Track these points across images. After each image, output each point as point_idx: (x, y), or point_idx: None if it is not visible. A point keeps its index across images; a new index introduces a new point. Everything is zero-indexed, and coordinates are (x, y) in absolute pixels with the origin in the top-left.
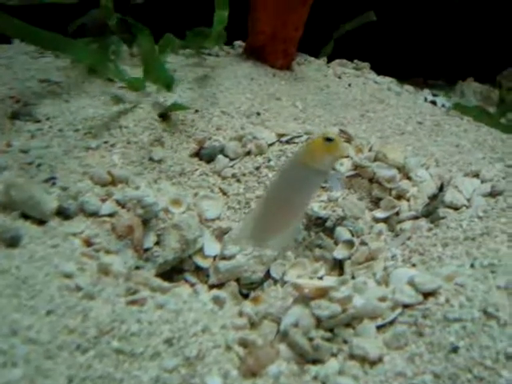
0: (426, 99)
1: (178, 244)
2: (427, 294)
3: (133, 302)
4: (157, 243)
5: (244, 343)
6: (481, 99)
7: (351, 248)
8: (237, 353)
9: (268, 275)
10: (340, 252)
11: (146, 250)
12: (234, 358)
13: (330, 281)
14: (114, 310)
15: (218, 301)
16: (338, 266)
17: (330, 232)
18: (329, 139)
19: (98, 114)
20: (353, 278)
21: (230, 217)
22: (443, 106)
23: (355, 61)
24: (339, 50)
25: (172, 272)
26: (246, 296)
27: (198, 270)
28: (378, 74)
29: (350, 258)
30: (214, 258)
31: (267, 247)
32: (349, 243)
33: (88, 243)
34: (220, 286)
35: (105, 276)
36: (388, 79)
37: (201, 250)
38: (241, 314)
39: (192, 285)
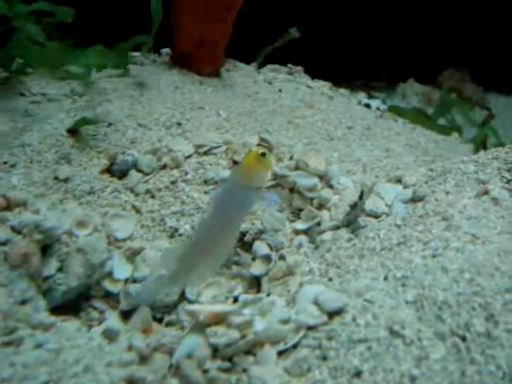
0: (359, 102)
1: (83, 269)
2: (333, 313)
3: (8, 344)
4: (60, 270)
5: (131, 381)
6: (422, 100)
7: (269, 263)
8: None
9: (183, 297)
10: (257, 268)
11: (47, 277)
12: None
13: (228, 305)
14: None
15: (109, 335)
16: (255, 283)
17: (249, 247)
18: (263, 154)
19: (2, 132)
20: (268, 295)
21: (143, 236)
22: (378, 108)
23: (289, 65)
24: (277, 55)
25: (79, 300)
26: (160, 320)
27: (108, 296)
28: (319, 78)
29: (267, 274)
30: (125, 281)
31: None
32: (266, 258)
33: None
34: (131, 311)
35: None
36: (322, 83)
37: (110, 273)
38: (130, 347)
39: (101, 312)
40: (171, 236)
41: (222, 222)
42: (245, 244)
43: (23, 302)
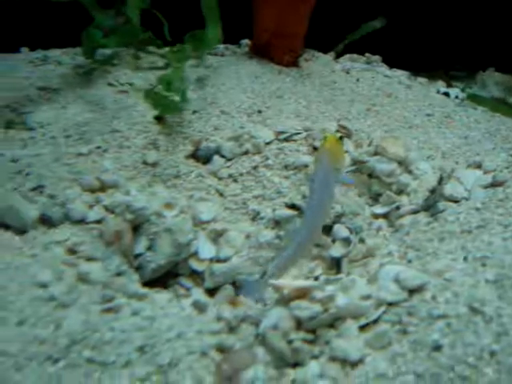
0: (438, 91)
1: (171, 248)
2: (413, 291)
3: (107, 310)
4: (149, 248)
5: (221, 348)
6: (503, 89)
7: (348, 246)
8: (212, 359)
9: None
10: (337, 250)
11: (138, 255)
12: (209, 365)
13: (311, 281)
14: (87, 319)
15: (198, 306)
16: (335, 264)
17: (329, 230)
18: (341, 138)
19: (92, 120)
20: (348, 276)
21: (226, 218)
22: (456, 97)
23: (366, 54)
24: (355, 45)
25: (167, 276)
26: None
27: (194, 274)
28: (397, 67)
29: (347, 256)
30: (210, 260)
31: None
32: (346, 241)
33: (72, 251)
34: (215, 289)
35: (82, 284)
36: (399, 72)
37: (196, 253)
38: (219, 318)
39: (187, 289)
40: (253, 219)
41: (323, 204)
42: (325, 227)
43: (118, 274)
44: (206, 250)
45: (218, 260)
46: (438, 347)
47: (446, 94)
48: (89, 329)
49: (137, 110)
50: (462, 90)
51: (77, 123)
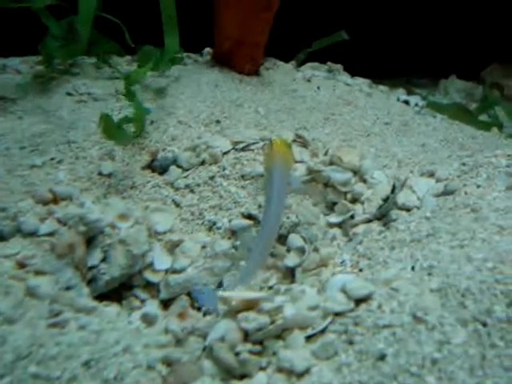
0: (398, 99)
1: (125, 260)
2: (359, 301)
3: (54, 325)
4: (103, 260)
5: (167, 361)
6: (464, 96)
7: (302, 255)
8: (159, 372)
9: (220, 287)
10: (291, 260)
11: (92, 267)
12: (155, 378)
13: (260, 292)
14: (33, 334)
15: (147, 319)
16: (289, 274)
17: (284, 240)
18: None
19: (49, 130)
20: (301, 285)
21: (182, 229)
22: (416, 105)
23: (328, 63)
24: (317, 53)
25: (122, 289)
26: (198, 309)
27: (149, 285)
28: (359, 75)
29: (300, 266)
30: (166, 271)
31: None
32: (300, 250)
33: (22, 265)
34: (171, 300)
35: (30, 299)
36: (361, 80)
37: (151, 264)
38: (166, 331)
39: (142, 300)
40: (209, 229)
41: (280, 207)
42: (280, 237)
43: (68, 288)
44: (162, 261)
45: (174, 271)
46: (382, 356)
47: (406, 102)
48: (35, 344)
49: (94, 121)
50: (424, 98)
51: (32, 134)
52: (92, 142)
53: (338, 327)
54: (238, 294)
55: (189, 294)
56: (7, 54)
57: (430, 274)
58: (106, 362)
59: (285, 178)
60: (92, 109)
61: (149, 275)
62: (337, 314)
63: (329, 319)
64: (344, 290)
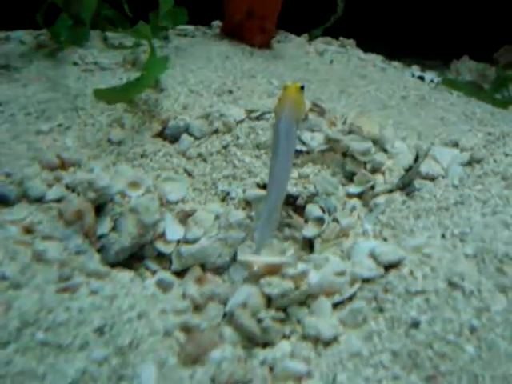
0: (413, 75)
1: (136, 229)
2: (389, 267)
3: (64, 290)
4: (113, 229)
5: (185, 328)
6: (477, 77)
7: (321, 225)
8: (177, 339)
9: (235, 259)
10: (310, 230)
11: (101, 236)
12: (173, 345)
13: (283, 257)
14: (41, 299)
15: (163, 285)
16: (307, 245)
17: (301, 210)
18: (302, 87)
19: (55, 97)
20: None
21: (195, 199)
22: (432, 81)
23: (340, 38)
24: (328, 31)
25: (132, 259)
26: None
27: (160, 256)
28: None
29: (320, 236)
30: (178, 242)
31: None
32: (319, 220)
33: (28, 231)
34: (183, 272)
35: (37, 263)
36: (374, 56)
37: (163, 234)
38: (184, 296)
39: (153, 272)
40: (223, 199)
41: (289, 157)
42: (297, 208)
43: (78, 253)
44: (174, 231)
45: (186, 241)
46: (415, 324)
47: (421, 78)
48: (43, 309)
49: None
50: (439, 75)
51: (38, 100)
52: (100, 108)
53: (366, 294)
54: (259, 259)
55: (202, 266)
56: (11, 28)
57: (462, 240)
58: (119, 328)
59: (294, 124)
60: (99, 77)
61: (160, 246)
62: (365, 281)
63: (357, 285)
64: (372, 256)
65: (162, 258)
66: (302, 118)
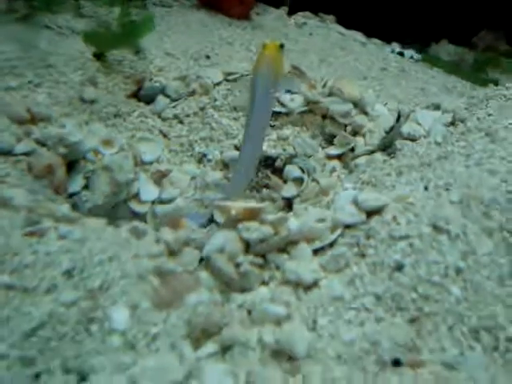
0: (393, 51)
1: (109, 187)
2: (372, 213)
3: (31, 233)
4: (85, 187)
5: (160, 272)
6: (456, 60)
7: (300, 186)
8: (151, 283)
9: (211, 220)
10: (289, 190)
11: (72, 194)
12: (146, 289)
13: (261, 203)
14: (7, 243)
15: (136, 231)
16: (286, 206)
17: (280, 172)
18: (281, 45)
19: (25, 57)
20: None
21: (170, 159)
22: (411, 57)
23: (320, 14)
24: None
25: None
26: None
27: (134, 217)
28: None
29: (299, 196)
30: (152, 203)
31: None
32: (298, 181)
33: None
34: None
35: (4, 209)
36: (353, 32)
37: (137, 195)
38: (158, 241)
39: None
40: (199, 161)
41: (265, 114)
42: (276, 170)
43: (47, 201)
44: (148, 191)
45: (162, 202)
46: (399, 267)
47: (401, 54)
48: (8, 253)
49: (75, 49)
50: (419, 52)
51: (6, 58)
52: (73, 67)
53: (348, 240)
54: (237, 204)
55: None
56: None
57: (447, 190)
58: (90, 270)
59: (271, 83)
60: (73, 40)
61: (134, 206)
62: (347, 227)
63: (338, 231)
64: (355, 202)
65: (136, 218)
66: (280, 77)
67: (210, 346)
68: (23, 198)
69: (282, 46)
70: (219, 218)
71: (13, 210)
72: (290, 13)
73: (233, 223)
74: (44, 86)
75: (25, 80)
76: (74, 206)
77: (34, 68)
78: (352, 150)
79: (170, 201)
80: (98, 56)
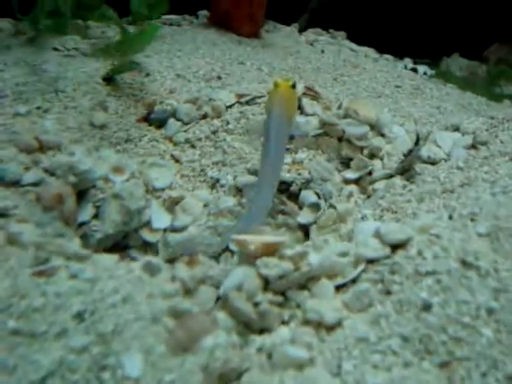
0: (405, 67)
1: (119, 216)
2: (396, 246)
3: (40, 273)
4: (95, 216)
5: (175, 313)
6: (467, 74)
7: (317, 212)
8: (165, 325)
9: (225, 247)
10: (305, 216)
11: (82, 224)
12: (161, 332)
13: (280, 236)
14: (14, 284)
15: (150, 268)
16: (302, 232)
17: (295, 197)
18: (293, 85)
19: (34, 81)
20: None
21: (182, 185)
22: (425, 73)
23: (330, 30)
24: (319, 23)
25: (115, 249)
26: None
27: (146, 246)
28: None
29: (315, 223)
30: (164, 231)
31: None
32: (315, 207)
33: (3, 215)
34: (171, 262)
35: (11, 246)
36: (365, 48)
37: (148, 222)
38: (173, 279)
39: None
40: (212, 186)
41: (280, 153)
42: (291, 195)
43: (56, 237)
44: (160, 218)
45: (174, 230)
46: (427, 307)
47: (414, 70)
48: (16, 295)
49: (84, 72)
50: (432, 68)
51: (15, 83)
52: (82, 91)
53: (372, 275)
54: (256, 238)
55: (191, 255)
56: None
57: (473, 220)
58: (101, 313)
59: (284, 122)
60: (82, 62)
61: (146, 234)
62: (370, 262)
63: (361, 266)
64: (378, 235)
65: (148, 247)
66: (294, 118)
67: None
68: (32, 233)
69: (293, 85)
70: (234, 246)
71: (21, 248)
72: (301, 30)
73: (251, 259)
74: (53, 111)
75: (33, 106)
76: (84, 237)
77: (42, 93)
78: (369, 173)
79: (182, 228)
80: (108, 79)
